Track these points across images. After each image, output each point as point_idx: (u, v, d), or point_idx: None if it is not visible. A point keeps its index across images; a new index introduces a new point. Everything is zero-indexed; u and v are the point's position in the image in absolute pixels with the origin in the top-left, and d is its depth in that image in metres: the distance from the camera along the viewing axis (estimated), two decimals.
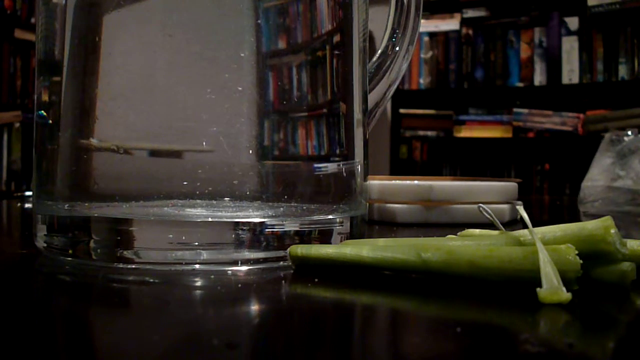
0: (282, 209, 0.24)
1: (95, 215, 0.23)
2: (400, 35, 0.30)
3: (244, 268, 0.23)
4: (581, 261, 0.18)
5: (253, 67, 0.24)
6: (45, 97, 0.25)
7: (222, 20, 0.24)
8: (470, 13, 2.19)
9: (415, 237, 0.23)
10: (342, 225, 0.25)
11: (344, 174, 0.27)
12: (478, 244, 0.21)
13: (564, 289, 0.17)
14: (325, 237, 0.25)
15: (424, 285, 0.20)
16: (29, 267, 0.24)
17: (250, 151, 0.24)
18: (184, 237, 0.23)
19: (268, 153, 0.24)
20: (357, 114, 0.27)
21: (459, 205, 0.43)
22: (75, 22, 0.24)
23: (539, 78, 2.12)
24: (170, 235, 0.23)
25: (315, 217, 0.25)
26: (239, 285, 0.21)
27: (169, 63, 0.23)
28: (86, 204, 0.23)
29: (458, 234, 0.26)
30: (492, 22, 2.16)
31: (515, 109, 2.14)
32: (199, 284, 0.21)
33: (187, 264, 0.22)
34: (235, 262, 0.23)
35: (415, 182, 0.44)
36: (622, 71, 2.03)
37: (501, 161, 2.19)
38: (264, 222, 0.23)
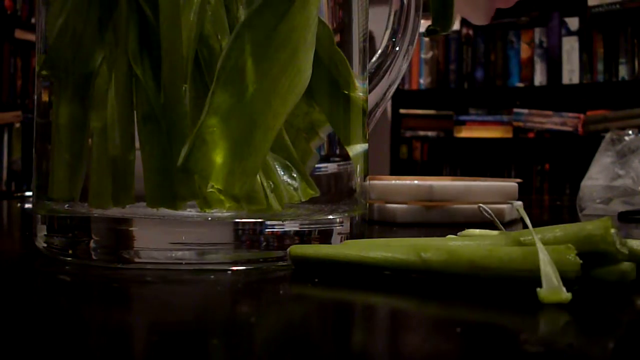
0: (282, 209, 0.24)
1: (95, 215, 0.23)
2: (400, 35, 0.30)
3: (244, 268, 0.23)
4: (581, 261, 0.18)
5: None
6: (45, 97, 0.25)
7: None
8: None
9: (415, 237, 0.23)
10: (342, 225, 0.25)
11: (344, 174, 0.27)
12: (478, 244, 0.21)
13: (564, 289, 0.17)
14: (325, 237, 0.25)
15: (424, 285, 0.20)
16: (29, 267, 0.24)
17: None
18: (184, 237, 0.23)
19: None
20: None
21: (459, 205, 0.43)
22: None
23: (539, 78, 2.12)
24: (170, 235, 0.23)
25: (315, 217, 0.25)
26: (239, 285, 0.21)
27: None
28: (86, 204, 0.23)
29: (458, 234, 0.26)
30: (492, 22, 2.16)
31: (515, 109, 2.14)
32: (199, 284, 0.21)
33: (187, 264, 0.22)
34: (235, 262, 0.23)
35: (415, 182, 0.44)
36: (623, 71, 2.03)
37: (501, 161, 2.19)
38: (263, 222, 0.23)
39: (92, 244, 0.23)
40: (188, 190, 0.22)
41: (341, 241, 0.25)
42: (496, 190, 0.45)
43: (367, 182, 0.28)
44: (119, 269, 0.22)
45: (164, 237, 0.23)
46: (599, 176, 0.57)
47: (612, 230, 0.19)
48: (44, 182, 0.25)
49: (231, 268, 0.22)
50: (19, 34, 2.00)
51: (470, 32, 2.20)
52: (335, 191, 0.26)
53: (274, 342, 0.14)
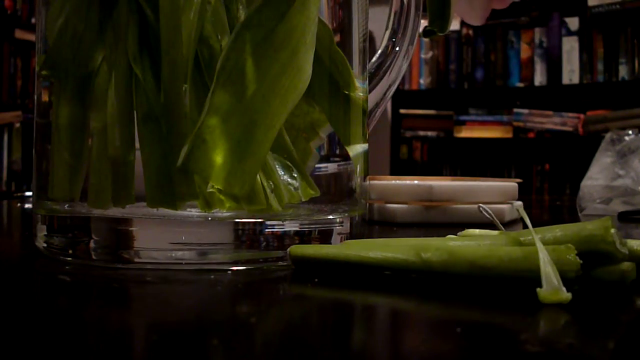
0: (282, 209, 0.24)
1: (95, 215, 0.23)
2: (400, 35, 0.30)
3: (244, 268, 0.23)
4: (581, 261, 0.18)
5: None
6: (45, 97, 0.25)
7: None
8: None
9: (415, 237, 0.23)
10: (342, 225, 0.25)
11: (344, 174, 0.27)
12: (478, 244, 0.21)
13: (564, 289, 0.17)
14: (325, 237, 0.25)
15: (424, 285, 0.20)
16: (29, 267, 0.24)
17: None
18: (184, 237, 0.23)
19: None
20: None
21: (459, 205, 0.43)
22: None
23: (539, 78, 2.12)
24: (170, 235, 0.23)
25: (315, 217, 0.25)
26: (239, 285, 0.21)
27: None
28: (86, 204, 0.23)
29: (458, 234, 0.26)
30: (492, 22, 2.16)
31: (515, 109, 2.14)
32: (199, 284, 0.21)
33: (187, 264, 0.22)
34: (235, 262, 0.23)
35: (415, 182, 0.44)
36: (623, 71, 2.03)
37: (501, 161, 2.19)
38: (263, 222, 0.23)
39: (92, 244, 0.23)
40: (188, 190, 0.22)
41: (341, 241, 0.25)
42: (496, 190, 0.45)
43: (367, 182, 0.28)
44: (119, 269, 0.22)
45: (164, 237, 0.23)
46: (599, 176, 0.57)
47: (612, 230, 0.19)
48: (44, 182, 0.25)
49: (231, 268, 0.22)
50: (19, 34, 2.00)
51: (470, 32, 2.20)
52: (335, 191, 0.26)
53: (274, 342, 0.14)
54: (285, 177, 0.24)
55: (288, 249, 0.23)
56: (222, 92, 0.21)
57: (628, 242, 0.20)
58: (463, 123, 2.21)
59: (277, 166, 0.24)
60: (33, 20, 2.00)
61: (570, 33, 2.09)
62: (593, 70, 2.06)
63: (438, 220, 0.43)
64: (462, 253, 0.20)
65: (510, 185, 0.46)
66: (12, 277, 0.22)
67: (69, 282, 0.21)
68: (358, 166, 0.27)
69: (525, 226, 0.21)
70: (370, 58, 0.30)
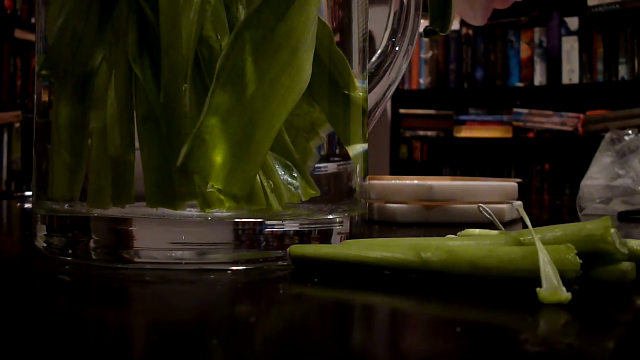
0: (282, 209, 0.24)
1: (95, 215, 0.23)
2: (400, 35, 0.30)
3: (244, 268, 0.23)
4: (581, 261, 0.18)
5: None
6: (45, 97, 0.26)
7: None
8: None
9: (415, 237, 0.23)
10: (342, 225, 0.25)
11: (344, 174, 0.27)
12: (478, 244, 0.21)
13: (564, 289, 0.17)
14: (325, 237, 0.25)
15: (424, 285, 0.20)
16: (29, 267, 0.24)
17: None
18: (184, 237, 0.23)
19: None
20: None
21: (459, 205, 0.43)
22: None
23: (539, 78, 2.12)
24: (170, 235, 0.23)
25: (315, 217, 0.25)
26: (239, 285, 0.21)
27: None
28: (86, 204, 0.23)
29: (458, 234, 0.26)
30: (492, 22, 2.16)
31: (515, 109, 2.14)
32: (198, 284, 0.21)
33: (187, 264, 0.22)
34: (235, 262, 0.23)
35: (415, 182, 0.44)
36: (623, 71, 2.03)
37: (501, 161, 2.19)
38: (263, 222, 0.23)
39: (92, 244, 0.23)
40: (188, 190, 0.22)
41: (341, 241, 0.25)
42: (496, 190, 0.45)
43: (367, 182, 0.28)
44: (119, 269, 0.22)
45: (164, 237, 0.23)
46: (599, 176, 0.57)
47: (612, 230, 0.19)
48: (44, 182, 0.25)
49: (231, 268, 0.22)
50: (19, 34, 2.00)
51: (470, 32, 2.20)
52: (335, 191, 0.26)
53: (274, 342, 0.14)
54: (285, 177, 0.24)
55: (288, 249, 0.23)
56: (222, 92, 0.21)
57: (628, 242, 0.20)
58: (463, 123, 2.21)
59: (277, 166, 0.24)
60: (33, 20, 2.00)
61: (570, 33, 2.09)
62: (593, 70, 2.06)
63: (438, 220, 0.43)
64: (462, 253, 0.20)
65: (510, 185, 0.46)
66: (12, 277, 0.22)
67: (69, 282, 0.21)
68: (358, 166, 0.27)
69: (525, 226, 0.21)
70: (370, 58, 0.30)
